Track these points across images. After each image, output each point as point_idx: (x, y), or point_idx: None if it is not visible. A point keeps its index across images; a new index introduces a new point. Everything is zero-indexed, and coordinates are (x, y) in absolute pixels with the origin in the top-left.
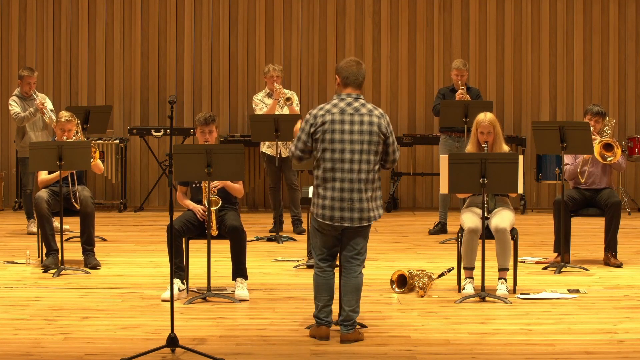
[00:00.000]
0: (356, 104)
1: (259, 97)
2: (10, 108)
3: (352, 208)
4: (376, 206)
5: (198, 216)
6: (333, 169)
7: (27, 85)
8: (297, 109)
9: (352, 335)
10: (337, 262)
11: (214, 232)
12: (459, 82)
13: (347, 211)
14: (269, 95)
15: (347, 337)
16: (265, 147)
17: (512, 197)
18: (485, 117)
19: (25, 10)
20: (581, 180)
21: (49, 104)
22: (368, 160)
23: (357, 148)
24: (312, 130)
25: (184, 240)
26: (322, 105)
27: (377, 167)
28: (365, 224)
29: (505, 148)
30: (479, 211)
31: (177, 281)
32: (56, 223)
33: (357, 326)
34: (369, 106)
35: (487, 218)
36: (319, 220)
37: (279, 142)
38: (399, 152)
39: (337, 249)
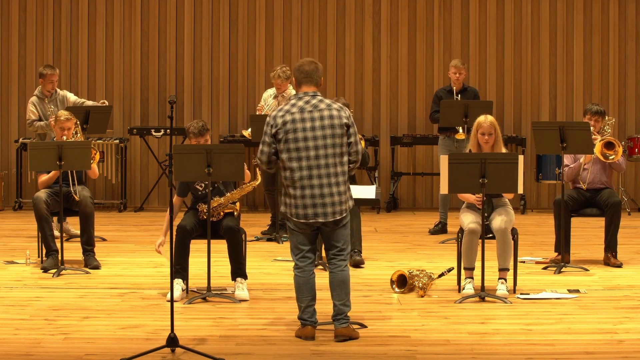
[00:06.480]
0: (314, 101)
1: (267, 93)
2: (28, 114)
3: (325, 203)
4: (347, 199)
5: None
6: (300, 168)
7: (50, 83)
8: None
9: (345, 330)
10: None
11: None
12: (457, 79)
13: (320, 207)
14: (275, 97)
15: (340, 331)
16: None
17: (509, 197)
18: (486, 119)
19: (25, 10)
20: (583, 187)
21: (71, 97)
22: (334, 154)
23: (321, 143)
24: (273, 131)
25: None
26: (281, 107)
27: (344, 159)
28: (338, 217)
29: (504, 151)
30: (479, 211)
31: (180, 281)
32: (56, 232)
33: (355, 325)
34: (327, 101)
35: (487, 217)
36: (294, 219)
37: None
38: (361, 146)
39: (315, 245)
